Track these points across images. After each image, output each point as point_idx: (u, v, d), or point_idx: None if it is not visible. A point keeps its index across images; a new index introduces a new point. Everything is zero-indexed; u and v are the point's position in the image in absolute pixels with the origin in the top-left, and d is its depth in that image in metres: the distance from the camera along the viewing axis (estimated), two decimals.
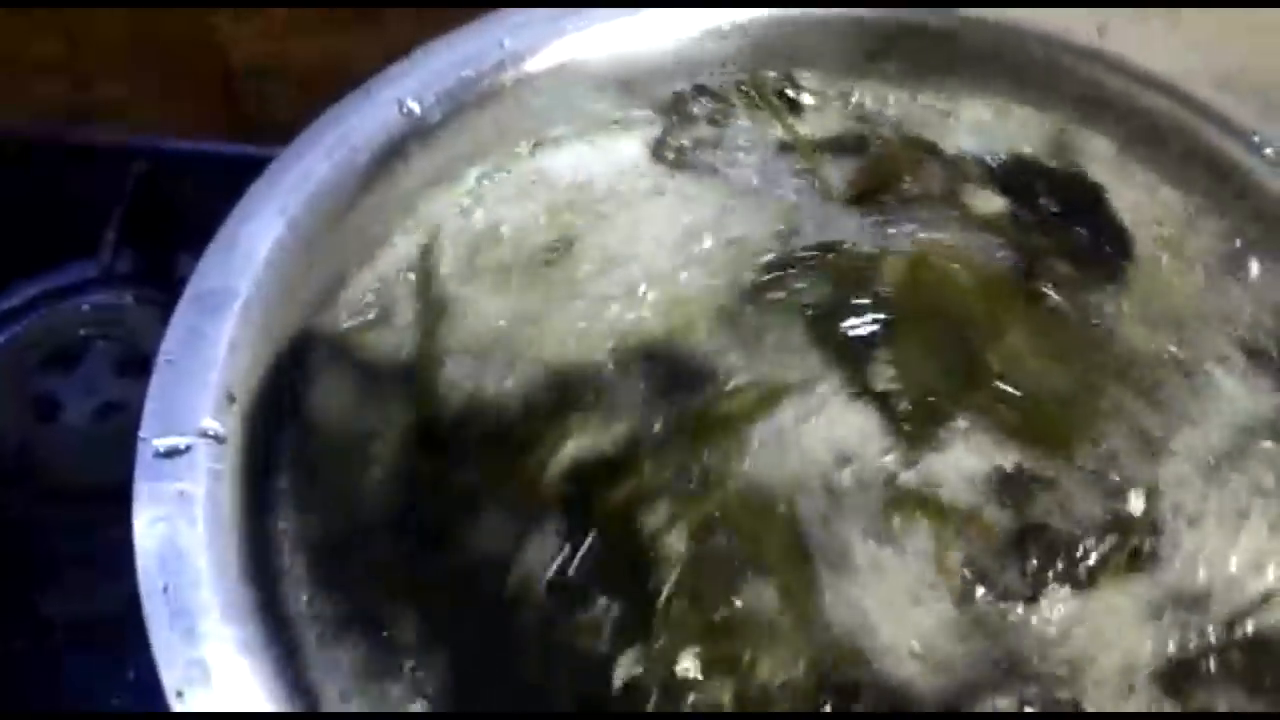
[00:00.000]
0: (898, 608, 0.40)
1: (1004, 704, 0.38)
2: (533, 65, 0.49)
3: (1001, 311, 0.46)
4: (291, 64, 0.77)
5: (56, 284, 0.69)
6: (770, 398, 0.44)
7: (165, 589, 0.36)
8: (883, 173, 0.50)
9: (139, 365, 0.66)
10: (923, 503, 0.42)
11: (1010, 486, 0.42)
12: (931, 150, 0.51)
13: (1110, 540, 0.41)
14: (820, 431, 0.43)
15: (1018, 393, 0.44)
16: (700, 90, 0.52)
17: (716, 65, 0.52)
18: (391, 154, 0.46)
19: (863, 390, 0.44)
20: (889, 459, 0.43)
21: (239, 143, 0.76)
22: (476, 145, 0.49)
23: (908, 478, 0.42)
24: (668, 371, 0.45)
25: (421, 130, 0.47)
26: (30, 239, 0.70)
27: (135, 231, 0.70)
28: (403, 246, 0.48)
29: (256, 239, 0.43)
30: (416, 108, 0.47)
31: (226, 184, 0.71)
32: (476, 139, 0.49)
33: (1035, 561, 0.41)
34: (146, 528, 0.37)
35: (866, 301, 0.46)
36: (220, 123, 0.79)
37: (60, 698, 0.57)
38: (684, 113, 0.52)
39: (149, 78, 0.78)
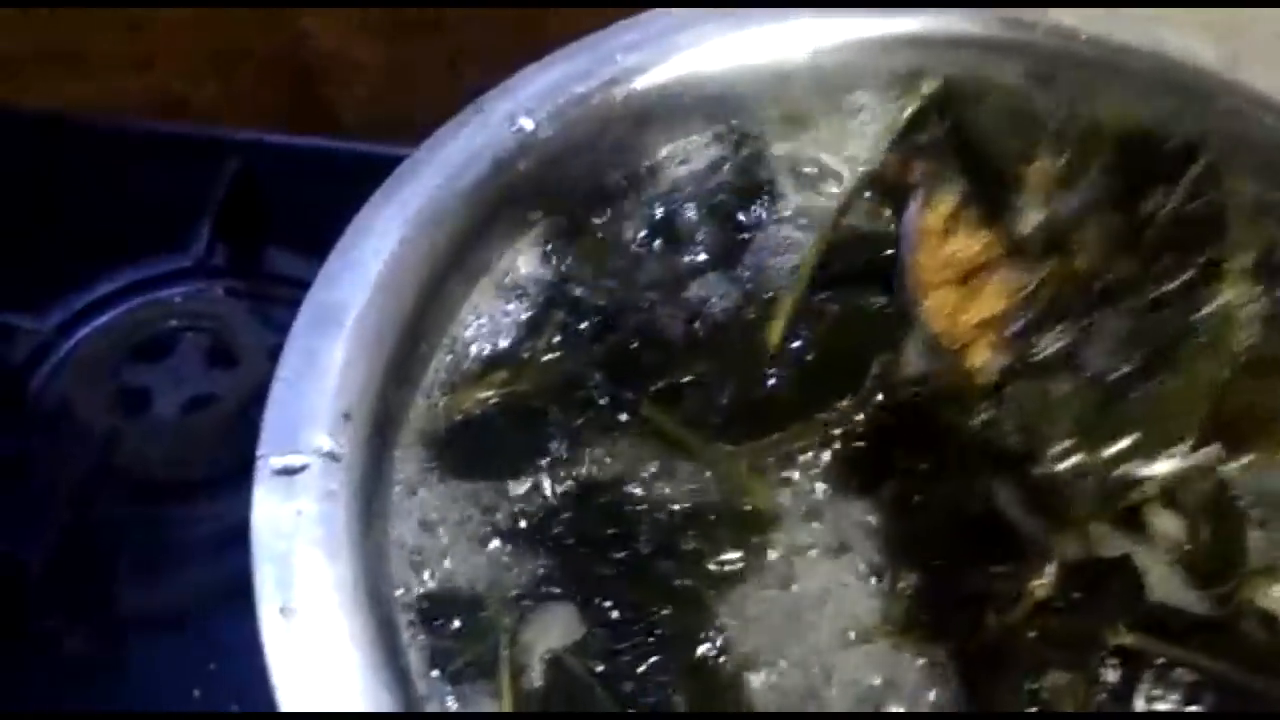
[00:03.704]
0: None
1: None
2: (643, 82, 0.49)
3: None
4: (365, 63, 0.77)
5: (146, 275, 0.69)
6: None
7: (283, 610, 0.36)
8: None
9: (228, 357, 0.66)
10: None
11: None
12: None
13: None
14: None
15: None
16: None
17: None
18: (501, 171, 0.46)
19: None
20: None
21: (321, 135, 0.76)
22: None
23: None
24: None
25: (532, 147, 0.47)
26: (119, 230, 0.71)
27: (226, 225, 0.70)
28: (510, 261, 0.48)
29: (370, 256, 0.43)
30: (529, 124, 0.46)
31: (313, 177, 0.73)
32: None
33: None
34: (264, 547, 0.37)
35: None
36: (301, 117, 0.79)
37: (142, 689, 0.57)
38: None
39: (229, 74, 0.79)
